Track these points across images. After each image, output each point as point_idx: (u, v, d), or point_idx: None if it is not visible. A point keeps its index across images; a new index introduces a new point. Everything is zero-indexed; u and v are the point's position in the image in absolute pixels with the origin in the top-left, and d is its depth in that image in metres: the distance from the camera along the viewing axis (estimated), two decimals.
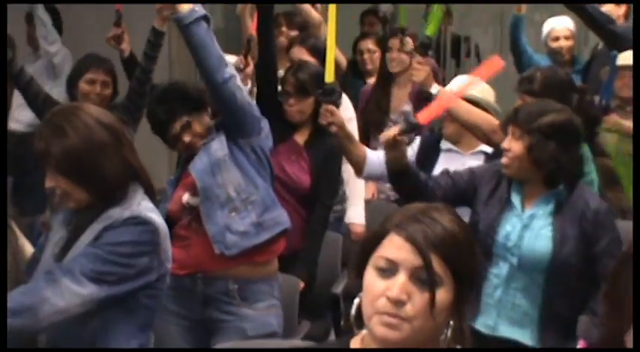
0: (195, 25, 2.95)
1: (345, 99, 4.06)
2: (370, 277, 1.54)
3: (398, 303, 1.50)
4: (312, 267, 3.65)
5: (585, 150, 3.30)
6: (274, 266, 3.15)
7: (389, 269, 1.52)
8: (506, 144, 2.90)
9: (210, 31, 3.01)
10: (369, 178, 3.74)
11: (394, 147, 2.96)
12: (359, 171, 3.38)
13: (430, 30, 3.42)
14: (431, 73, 3.44)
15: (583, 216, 2.85)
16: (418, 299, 1.51)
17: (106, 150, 2.42)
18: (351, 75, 5.07)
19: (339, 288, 3.90)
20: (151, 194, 2.54)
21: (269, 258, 3.14)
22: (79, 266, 2.39)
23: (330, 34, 3.15)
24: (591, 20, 4.29)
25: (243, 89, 3.11)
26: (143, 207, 2.47)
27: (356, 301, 1.59)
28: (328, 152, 3.69)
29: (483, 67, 3.19)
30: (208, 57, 3.00)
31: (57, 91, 4.52)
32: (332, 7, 3.16)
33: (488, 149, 3.45)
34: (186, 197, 3.17)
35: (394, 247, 1.53)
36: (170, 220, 2.98)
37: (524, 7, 4.78)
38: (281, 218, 3.28)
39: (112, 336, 2.50)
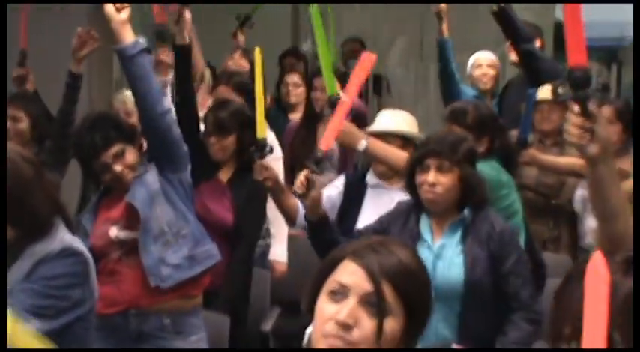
0: (139, 57, 2.99)
1: (273, 139, 4.12)
2: (321, 302, 1.55)
3: (345, 327, 1.51)
4: (235, 304, 3.67)
5: (510, 180, 3.42)
6: (201, 298, 3.18)
7: (340, 293, 1.54)
8: (432, 178, 2.93)
9: (151, 63, 3.07)
10: (300, 227, 3.75)
11: (309, 192, 2.98)
12: (291, 221, 3.43)
13: (331, 89, 3.37)
14: (353, 133, 3.43)
15: (489, 237, 2.95)
16: (366, 325, 1.52)
17: (33, 184, 2.41)
18: (275, 109, 5.13)
19: (268, 326, 3.92)
20: (71, 227, 2.54)
21: (199, 291, 3.17)
22: (20, 304, 2.37)
23: (257, 87, 3.20)
24: (514, 32, 4.27)
25: (176, 123, 3.22)
26: (69, 239, 2.46)
27: (308, 331, 1.59)
28: (251, 190, 3.74)
29: (359, 68, 3.16)
30: (150, 89, 3.04)
31: None
32: (257, 56, 3.19)
33: None
34: (114, 231, 3.16)
35: (347, 272, 1.55)
36: (93, 256, 2.98)
37: (445, 30, 4.75)
38: (212, 251, 3.32)
39: None
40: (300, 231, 4.51)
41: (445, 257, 2.98)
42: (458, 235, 3.00)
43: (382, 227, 3.09)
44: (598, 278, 1.09)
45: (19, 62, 4.16)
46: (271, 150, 3.32)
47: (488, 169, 3.30)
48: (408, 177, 3.04)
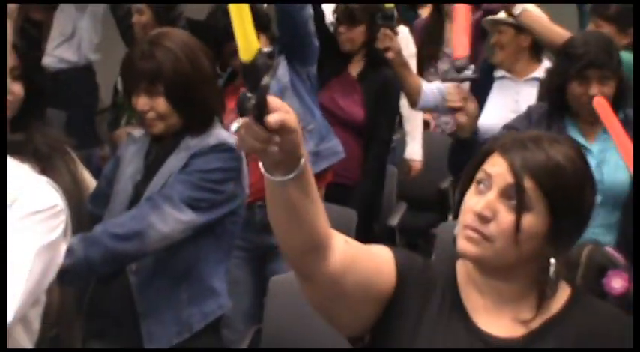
0: None
1: (407, 35, 4.24)
2: (469, 193, 1.60)
3: (482, 219, 1.54)
4: (368, 201, 3.80)
5: None
6: (323, 190, 3.32)
7: (484, 184, 1.57)
8: (595, 90, 2.96)
9: None
10: (423, 109, 3.91)
11: (465, 105, 2.99)
12: (413, 102, 3.53)
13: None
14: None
15: None
16: (504, 218, 1.54)
17: (209, 77, 2.55)
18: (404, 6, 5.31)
19: (394, 221, 4.10)
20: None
21: (322, 185, 3.26)
22: (177, 194, 2.50)
23: None
24: None
25: (312, 18, 3.37)
26: (224, 134, 2.56)
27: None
28: (383, 84, 3.86)
29: None
30: None
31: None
32: None
33: (542, 74, 3.58)
34: (236, 125, 3.22)
35: (492, 164, 1.58)
36: None
37: None
38: (337, 147, 3.46)
39: (204, 262, 2.63)
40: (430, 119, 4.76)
41: (609, 161, 3.02)
42: None
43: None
44: None
45: None
46: (397, 22, 3.46)
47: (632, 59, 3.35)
48: (557, 84, 3.04)
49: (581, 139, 2.97)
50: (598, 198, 2.73)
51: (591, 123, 3.01)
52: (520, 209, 1.54)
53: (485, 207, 1.54)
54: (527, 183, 1.54)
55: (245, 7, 1.41)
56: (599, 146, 3.01)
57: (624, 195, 2.97)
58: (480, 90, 3.66)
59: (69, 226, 1.95)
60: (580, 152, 1.63)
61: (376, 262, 1.70)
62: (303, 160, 1.50)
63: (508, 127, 3.08)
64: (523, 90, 3.65)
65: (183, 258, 2.61)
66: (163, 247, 2.54)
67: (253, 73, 1.45)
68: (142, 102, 2.53)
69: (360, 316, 1.72)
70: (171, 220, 2.50)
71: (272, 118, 1.40)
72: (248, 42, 1.43)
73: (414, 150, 4.47)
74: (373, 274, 1.69)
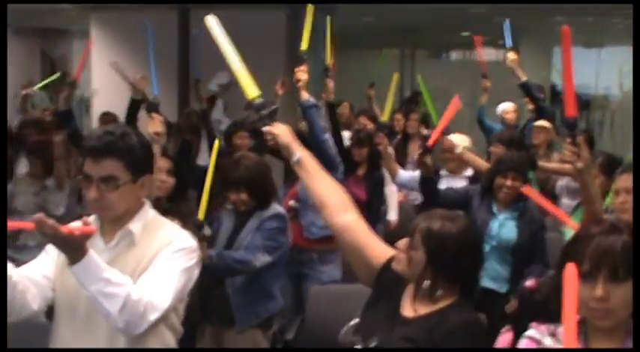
0: (309, 108, 3.94)
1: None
2: None
3: (402, 251, 2.00)
4: None
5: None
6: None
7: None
8: (510, 183, 3.63)
9: (318, 111, 3.99)
10: (398, 185, 4.84)
11: (425, 164, 3.67)
12: (393, 177, 4.47)
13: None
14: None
15: (533, 220, 3.73)
16: (406, 254, 1.99)
17: (269, 175, 3.17)
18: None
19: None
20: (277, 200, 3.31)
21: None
22: (260, 243, 3.11)
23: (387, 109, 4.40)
24: (532, 96, 5.59)
25: (333, 147, 4.11)
26: (278, 207, 3.26)
27: None
28: (376, 181, 5.05)
29: (449, 110, 3.69)
30: (317, 127, 3.95)
31: None
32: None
33: (469, 173, 4.68)
34: (292, 202, 4.19)
35: None
36: None
37: (484, 99, 6.28)
38: None
39: (269, 280, 3.23)
40: (402, 200, 5.93)
41: (506, 225, 3.67)
42: (515, 214, 3.71)
43: (465, 197, 3.82)
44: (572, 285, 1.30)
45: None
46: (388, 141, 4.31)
47: None
48: (490, 179, 3.74)
49: (495, 210, 3.73)
50: (494, 243, 3.59)
51: (504, 204, 3.73)
52: (410, 247, 1.99)
53: (400, 244, 2.02)
54: (417, 236, 1.99)
55: (240, 66, 1.88)
56: (503, 216, 3.71)
57: (511, 246, 3.64)
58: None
59: (199, 258, 2.22)
60: (464, 226, 1.99)
61: (375, 243, 2.10)
62: (298, 155, 2.04)
63: (465, 193, 3.87)
64: (458, 182, 4.53)
65: (258, 278, 3.17)
66: (251, 272, 3.12)
67: (259, 105, 2.01)
68: (233, 195, 3.20)
69: (364, 274, 2.11)
70: (259, 259, 3.10)
71: (266, 128, 2.06)
72: (250, 89, 1.96)
73: (392, 215, 5.55)
74: (365, 245, 2.09)
